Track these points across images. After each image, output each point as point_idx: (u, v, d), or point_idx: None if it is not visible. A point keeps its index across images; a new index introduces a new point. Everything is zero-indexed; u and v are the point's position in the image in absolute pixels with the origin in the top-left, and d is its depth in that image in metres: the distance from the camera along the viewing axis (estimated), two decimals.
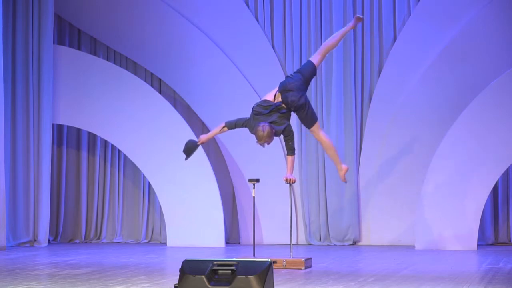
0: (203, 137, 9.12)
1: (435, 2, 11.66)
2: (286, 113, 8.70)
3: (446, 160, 11.17)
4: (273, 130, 8.57)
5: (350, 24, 9.20)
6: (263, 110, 8.65)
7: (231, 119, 8.93)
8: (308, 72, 8.83)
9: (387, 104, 11.80)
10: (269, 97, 8.77)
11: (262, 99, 8.84)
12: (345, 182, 9.32)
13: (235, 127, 8.86)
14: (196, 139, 9.24)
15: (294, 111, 8.74)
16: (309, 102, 8.73)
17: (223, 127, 8.90)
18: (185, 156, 9.14)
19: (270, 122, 8.58)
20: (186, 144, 9.13)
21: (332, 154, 8.99)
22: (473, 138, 11.10)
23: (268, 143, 8.65)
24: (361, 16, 9.20)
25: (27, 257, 10.26)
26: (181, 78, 12.30)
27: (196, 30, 12.18)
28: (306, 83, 8.79)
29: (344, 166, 9.02)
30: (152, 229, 12.66)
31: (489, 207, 11.63)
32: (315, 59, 8.96)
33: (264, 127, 8.50)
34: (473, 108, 11.12)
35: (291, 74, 8.88)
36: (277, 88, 8.77)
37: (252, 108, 8.75)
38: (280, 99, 8.69)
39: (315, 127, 8.79)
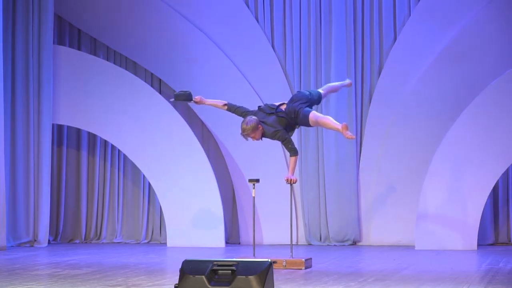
0: (201, 98, 9.16)
1: (435, 2, 11.66)
2: (282, 118, 8.74)
3: (446, 160, 11.17)
4: (259, 127, 8.67)
5: (346, 83, 9.59)
6: (266, 109, 8.83)
7: (235, 104, 9.04)
8: (315, 95, 8.96)
9: (387, 104, 11.80)
10: (277, 103, 8.89)
11: (271, 103, 8.96)
12: (353, 137, 8.58)
13: (234, 112, 9.02)
14: (192, 98, 9.24)
15: (294, 120, 8.73)
16: (302, 108, 8.72)
17: (224, 104, 9.03)
18: (174, 97, 9.30)
19: (264, 122, 8.68)
20: (185, 92, 9.21)
21: (330, 127, 8.70)
22: (473, 138, 11.10)
23: (253, 138, 8.75)
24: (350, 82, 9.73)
25: (27, 257, 10.26)
26: (181, 78, 12.30)
27: (196, 30, 12.18)
28: (311, 101, 8.83)
29: (340, 126, 8.50)
30: (152, 229, 12.65)
31: (489, 207, 11.63)
32: (312, 118, 8.78)
33: (250, 121, 8.67)
34: (473, 108, 11.12)
35: (300, 91, 9.03)
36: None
37: (259, 106, 8.97)
38: (283, 108, 8.77)
39: (312, 121, 8.71)
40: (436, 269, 8.76)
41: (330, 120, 8.71)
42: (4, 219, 11.21)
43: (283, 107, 8.83)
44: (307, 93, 8.95)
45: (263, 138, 8.91)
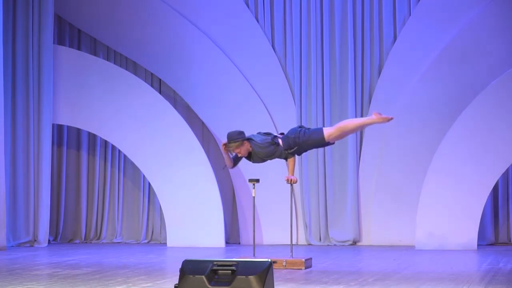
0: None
1: (435, 2, 11.67)
2: (270, 137, 8.56)
3: (446, 160, 11.17)
4: (245, 143, 8.49)
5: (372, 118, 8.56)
6: (261, 132, 8.65)
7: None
8: (309, 138, 8.54)
9: (387, 104, 11.79)
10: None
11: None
12: (391, 118, 8.36)
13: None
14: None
15: (293, 141, 8.54)
16: (297, 137, 8.52)
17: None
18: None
19: (253, 140, 8.51)
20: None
21: (360, 124, 8.55)
22: (473, 138, 11.10)
23: (239, 154, 8.53)
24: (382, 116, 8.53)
25: (27, 257, 10.25)
26: (181, 78, 12.30)
27: (196, 30, 12.18)
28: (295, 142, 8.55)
29: (374, 117, 8.31)
30: (152, 229, 12.66)
31: (489, 207, 11.63)
32: (327, 130, 8.52)
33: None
34: (473, 108, 11.12)
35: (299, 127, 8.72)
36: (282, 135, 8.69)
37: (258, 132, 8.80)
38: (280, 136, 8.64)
39: (328, 132, 8.51)
40: (436, 269, 8.76)
41: (355, 119, 8.40)
42: (4, 219, 11.21)
43: (280, 135, 8.68)
44: (299, 131, 8.55)
45: (254, 163, 8.74)
